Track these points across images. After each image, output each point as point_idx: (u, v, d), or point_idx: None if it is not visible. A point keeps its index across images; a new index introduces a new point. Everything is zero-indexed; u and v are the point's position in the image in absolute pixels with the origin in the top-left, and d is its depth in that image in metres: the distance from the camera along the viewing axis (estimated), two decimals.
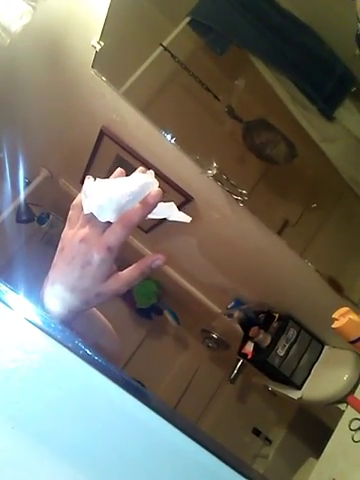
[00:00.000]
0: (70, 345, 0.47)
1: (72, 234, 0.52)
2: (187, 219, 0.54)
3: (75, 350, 0.47)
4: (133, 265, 0.54)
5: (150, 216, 0.53)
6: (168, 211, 0.54)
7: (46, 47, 1.55)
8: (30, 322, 0.46)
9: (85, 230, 0.51)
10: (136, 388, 0.49)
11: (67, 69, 1.59)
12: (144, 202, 0.51)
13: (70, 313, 0.52)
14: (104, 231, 0.51)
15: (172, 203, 0.54)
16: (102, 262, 0.50)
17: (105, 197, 0.50)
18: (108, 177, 0.56)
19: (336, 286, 1.69)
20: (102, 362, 0.48)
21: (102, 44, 1.40)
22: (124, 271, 0.53)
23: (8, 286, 0.47)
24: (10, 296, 0.46)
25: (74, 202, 0.55)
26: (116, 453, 0.46)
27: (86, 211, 0.51)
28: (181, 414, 0.57)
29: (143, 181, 0.52)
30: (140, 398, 0.48)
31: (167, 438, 0.49)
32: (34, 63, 1.64)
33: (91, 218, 0.51)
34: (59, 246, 0.54)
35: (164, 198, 0.53)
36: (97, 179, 0.53)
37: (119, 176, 0.56)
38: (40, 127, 1.99)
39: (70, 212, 0.56)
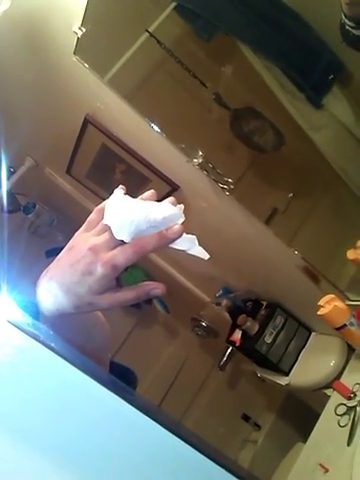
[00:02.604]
0: (49, 343, 0.46)
1: (85, 238, 0.52)
2: (205, 256, 0.54)
3: (54, 348, 0.46)
4: (132, 287, 0.54)
5: (169, 245, 0.52)
6: (188, 244, 0.53)
7: (27, 33, 1.51)
8: (9, 322, 0.45)
9: (98, 239, 0.51)
10: (118, 385, 0.49)
11: (49, 56, 1.55)
12: (163, 235, 0.51)
13: (58, 311, 0.52)
14: (115, 247, 0.50)
15: (194, 237, 0.54)
16: (103, 277, 0.50)
17: (127, 217, 0.50)
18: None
19: (312, 276, 1.71)
20: (84, 361, 0.48)
21: (84, 30, 1.36)
22: (121, 290, 0.53)
23: None
24: None
25: (99, 206, 0.56)
26: (97, 449, 0.46)
27: (105, 222, 0.51)
28: (164, 411, 0.57)
29: (169, 212, 0.51)
30: (123, 396, 0.48)
31: (150, 434, 0.49)
32: (15, 50, 1.60)
33: (108, 229, 0.51)
34: (69, 243, 0.54)
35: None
36: (126, 195, 0.53)
37: (150, 198, 0.55)
38: (23, 115, 1.95)
39: (92, 214, 0.56)
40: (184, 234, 0.52)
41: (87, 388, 0.47)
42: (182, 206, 0.53)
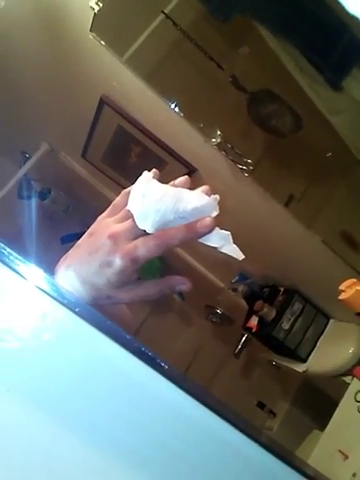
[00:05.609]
0: (84, 314, 0.44)
1: (106, 224, 0.49)
2: (240, 256, 0.48)
3: (88, 318, 0.45)
4: (155, 281, 0.50)
5: (199, 240, 0.47)
6: (221, 241, 0.47)
7: (42, 9, 1.48)
8: (42, 290, 0.43)
9: (119, 227, 0.47)
10: (146, 354, 0.48)
11: (65, 33, 1.53)
12: (191, 228, 0.45)
13: None
14: (138, 237, 0.46)
15: (228, 233, 0.48)
16: (122, 270, 0.46)
17: (153, 205, 0.45)
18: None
19: (351, 241, 1.67)
20: (114, 329, 0.46)
21: (100, 5, 1.33)
22: (143, 284, 0.49)
23: (18, 257, 0.45)
24: (22, 266, 0.43)
25: (126, 189, 0.51)
26: (123, 418, 0.45)
27: (128, 208, 0.47)
28: (192, 380, 0.56)
29: (201, 203, 0.45)
30: (151, 364, 0.46)
31: (177, 404, 0.47)
32: (30, 26, 1.58)
33: (131, 216, 0.46)
34: (91, 228, 0.50)
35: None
36: (155, 180, 0.47)
37: (182, 186, 0.49)
38: (38, 98, 1.94)
39: (118, 198, 0.51)
40: (217, 229, 0.46)
41: (113, 355, 0.46)
42: (217, 197, 0.47)
